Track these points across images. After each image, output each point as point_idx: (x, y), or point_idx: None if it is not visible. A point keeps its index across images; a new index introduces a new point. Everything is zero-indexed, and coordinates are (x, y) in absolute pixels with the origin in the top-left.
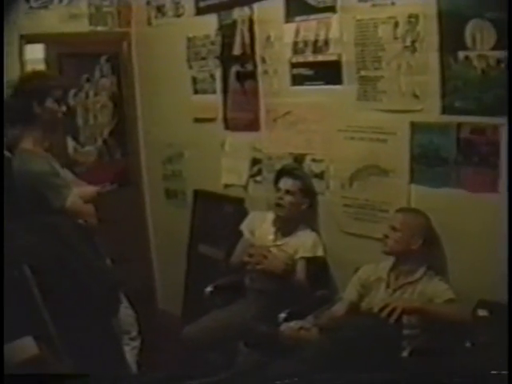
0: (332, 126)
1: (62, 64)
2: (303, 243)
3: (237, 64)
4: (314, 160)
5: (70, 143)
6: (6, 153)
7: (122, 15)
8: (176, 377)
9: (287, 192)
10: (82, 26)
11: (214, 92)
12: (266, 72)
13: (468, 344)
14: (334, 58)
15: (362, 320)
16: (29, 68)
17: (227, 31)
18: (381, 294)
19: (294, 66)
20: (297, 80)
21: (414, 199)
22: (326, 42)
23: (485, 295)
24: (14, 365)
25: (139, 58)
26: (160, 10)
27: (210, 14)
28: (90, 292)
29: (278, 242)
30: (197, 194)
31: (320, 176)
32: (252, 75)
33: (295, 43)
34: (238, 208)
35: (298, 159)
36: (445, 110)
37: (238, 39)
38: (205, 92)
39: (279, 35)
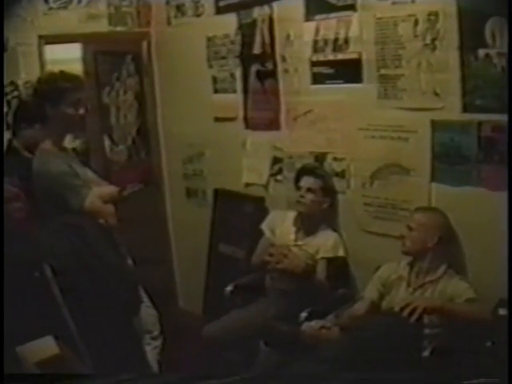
0: (353, 125)
1: (98, 62)
2: (324, 243)
3: (257, 63)
4: (334, 159)
5: (106, 142)
6: (27, 153)
7: (142, 15)
8: (197, 377)
9: (309, 190)
10: (102, 27)
11: (235, 91)
12: (286, 71)
13: (489, 343)
14: (354, 56)
15: (382, 319)
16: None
17: (247, 30)
18: (401, 293)
19: (314, 64)
20: (317, 79)
21: (434, 198)
22: (346, 41)
23: (506, 294)
24: (34, 364)
25: (159, 58)
26: (179, 9)
27: (230, 13)
28: (112, 292)
29: (299, 242)
30: (217, 193)
31: (341, 175)
32: (272, 74)
33: (315, 42)
34: (258, 207)
35: (319, 158)
36: (466, 108)
37: (257, 38)
38: (225, 91)
39: (299, 34)
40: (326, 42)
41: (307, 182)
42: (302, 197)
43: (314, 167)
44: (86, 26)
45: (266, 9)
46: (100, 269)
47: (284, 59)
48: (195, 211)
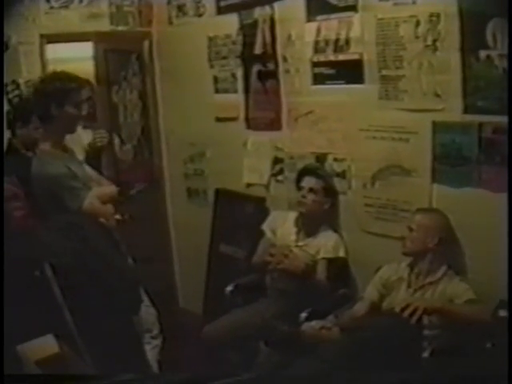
0: (354, 126)
1: (108, 60)
2: (325, 244)
3: (258, 63)
4: (335, 159)
5: (116, 141)
6: (26, 152)
7: (143, 14)
8: (196, 378)
9: (310, 190)
10: (103, 26)
11: (236, 91)
12: (287, 71)
13: (489, 345)
14: (355, 57)
15: (382, 320)
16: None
17: (248, 30)
18: (402, 294)
19: (315, 65)
20: (318, 79)
21: (435, 199)
22: (348, 41)
23: (506, 296)
24: (34, 363)
25: (160, 58)
26: (181, 9)
27: (231, 13)
28: (112, 291)
29: (300, 243)
30: (218, 193)
31: (342, 175)
32: (273, 74)
33: (316, 42)
34: (259, 207)
35: (320, 158)
36: (467, 109)
37: (259, 38)
38: (226, 91)
39: (300, 34)
40: (327, 42)
41: (308, 182)
42: (303, 197)
43: (316, 168)
44: (88, 25)
45: (267, 9)
46: (100, 268)
47: (285, 59)
48: (196, 211)
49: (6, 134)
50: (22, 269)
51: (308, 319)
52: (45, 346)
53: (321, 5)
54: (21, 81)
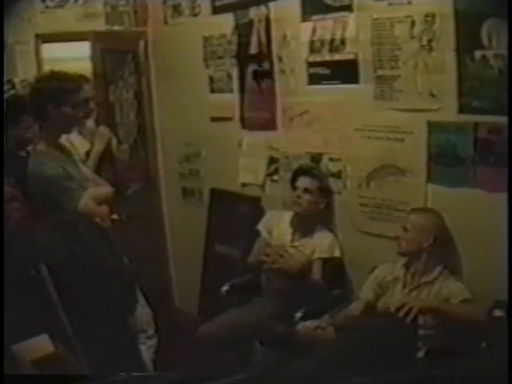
0: (349, 125)
1: (105, 60)
2: (320, 244)
3: (253, 63)
4: (331, 159)
5: (114, 141)
6: (19, 151)
7: (139, 14)
8: (192, 377)
9: (305, 190)
10: (99, 26)
11: (231, 91)
12: (282, 71)
13: (484, 344)
14: (350, 57)
15: (377, 320)
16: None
17: (244, 30)
18: (397, 294)
19: (310, 65)
20: (313, 79)
21: (430, 199)
22: (343, 41)
23: (501, 295)
24: (29, 362)
25: (156, 58)
26: (176, 9)
27: (227, 13)
28: (107, 290)
29: (296, 243)
30: (214, 192)
31: (337, 175)
32: (269, 74)
33: (312, 42)
34: (254, 207)
35: (315, 158)
36: (462, 109)
37: (254, 38)
38: (221, 91)
39: (296, 34)
40: (322, 42)
41: (304, 182)
42: (298, 197)
43: (311, 167)
44: (83, 25)
45: (262, 9)
46: (96, 268)
47: (280, 59)
48: (191, 211)
49: None
50: (17, 268)
51: (303, 319)
52: (40, 345)
53: (316, 5)
54: (16, 80)
